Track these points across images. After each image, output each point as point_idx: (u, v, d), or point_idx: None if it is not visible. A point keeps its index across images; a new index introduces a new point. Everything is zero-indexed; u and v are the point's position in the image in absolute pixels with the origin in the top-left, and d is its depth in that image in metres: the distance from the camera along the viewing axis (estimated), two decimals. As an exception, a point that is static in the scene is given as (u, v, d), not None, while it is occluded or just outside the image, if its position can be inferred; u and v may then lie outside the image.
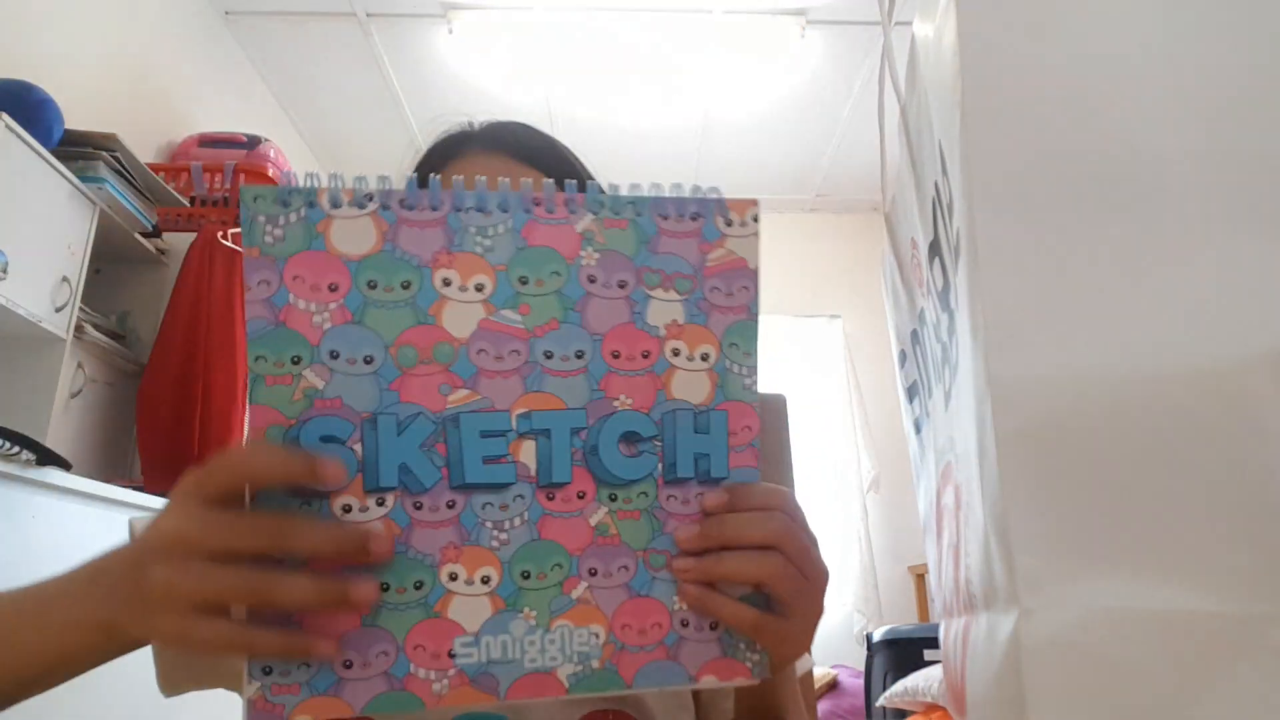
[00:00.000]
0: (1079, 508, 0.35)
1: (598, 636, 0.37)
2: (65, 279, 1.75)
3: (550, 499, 0.37)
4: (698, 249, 0.40)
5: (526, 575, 0.37)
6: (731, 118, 3.48)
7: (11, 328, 1.67)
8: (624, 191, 0.39)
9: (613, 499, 0.38)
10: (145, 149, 2.35)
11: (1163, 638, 0.33)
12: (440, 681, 0.35)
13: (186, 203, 2.25)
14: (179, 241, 2.17)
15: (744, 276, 0.40)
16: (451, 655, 0.36)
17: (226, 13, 2.91)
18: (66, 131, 1.82)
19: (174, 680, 0.51)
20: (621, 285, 0.39)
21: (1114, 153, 0.38)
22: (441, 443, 0.36)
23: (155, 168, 2.17)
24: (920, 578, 3.49)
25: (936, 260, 0.47)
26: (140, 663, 0.48)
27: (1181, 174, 0.37)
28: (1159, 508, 0.34)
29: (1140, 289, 0.36)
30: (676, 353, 0.39)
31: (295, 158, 2.68)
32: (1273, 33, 0.37)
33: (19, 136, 1.61)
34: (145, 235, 2.10)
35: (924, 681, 1.87)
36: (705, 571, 0.38)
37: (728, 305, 0.40)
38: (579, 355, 0.38)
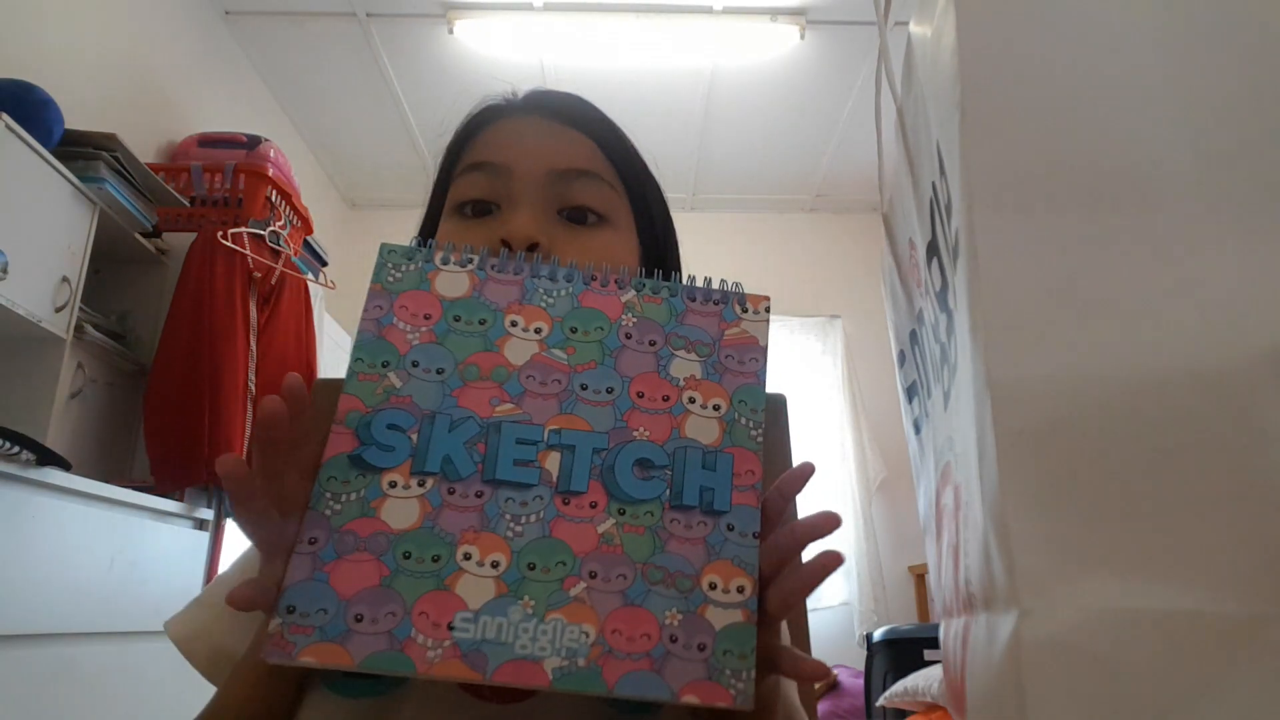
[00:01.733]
0: (1079, 508, 0.35)
1: (588, 635, 0.40)
2: (65, 279, 1.75)
3: (565, 504, 0.43)
4: (717, 326, 0.48)
5: (532, 566, 0.41)
6: (731, 118, 3.49)
7: (11, 328, 1.67)
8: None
9: (621, 513, 0.43)
10: (145, 149, 2.35)
11: (1163, 638, 0.33)
12: (435, 650, 0.39)
13: (186, 203, 2.25)
14: (179, 241, 2.17)
15: (755, 351, 0.47)
16: (450, 627, 0.39)
17: (226, 13, 2.91)
18: (66, 131, 1.82)
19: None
20: (652, 344, 0.47)
21: (1113, 153, 0.38)
22: (483, 443, 0.43)
23: (155, 168, 2.17)
24: (920, 578, 3.49)
25: (934, 261, 0.47)
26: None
27: (1181, 174, 0.37)
28: (1159, 508, 0.34)
29: (1140, 289, 0.36)
30: (692, 400, 0.46)
31: (295, 158, 2.68)
32: (1273, 33, 0.37)
33: (19, 136, 1.61)
34: (145, 235, 2.10)
35: (924, 681, 1.87)
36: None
37: (739, 370, 0.47)
38: (609, 391, 0.45)
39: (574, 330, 0.47)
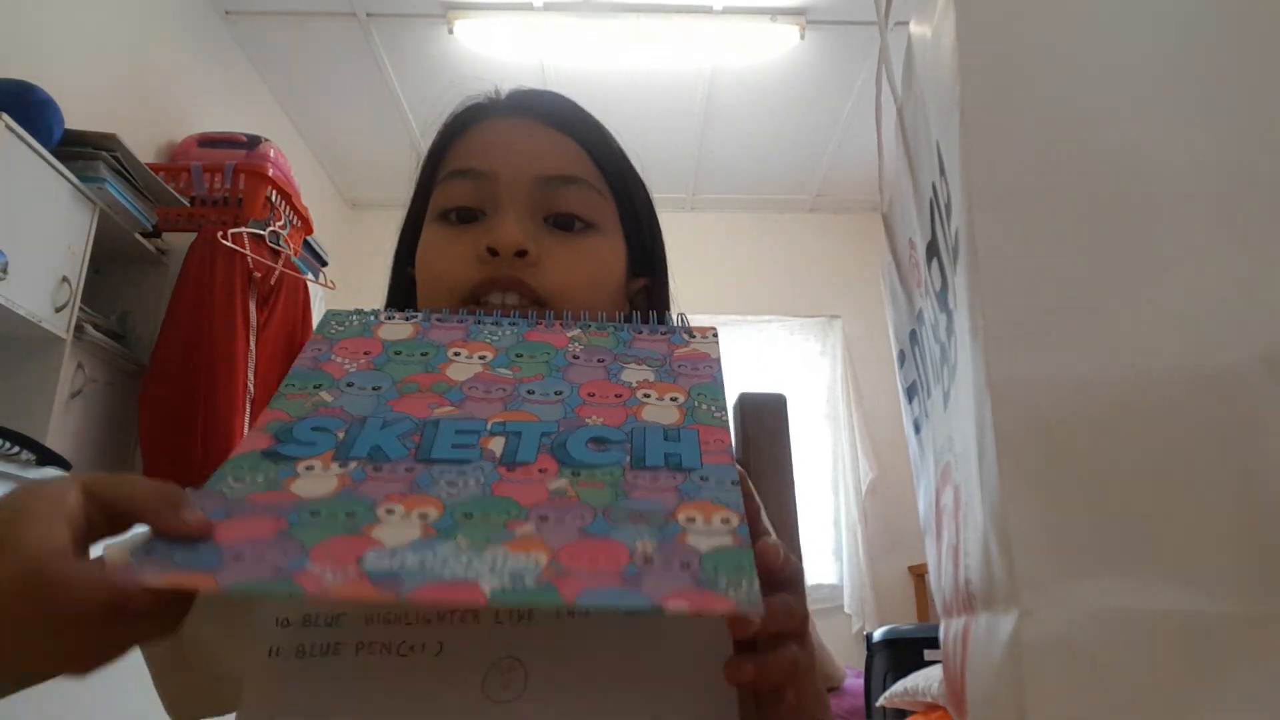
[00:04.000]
0: (1079, 508, 0.35)
1: (538, 563, 0.32)
2: (65, 279, 1.75)
3: (510, 470, 0.37)
4: (667, 347, 0.48)
5: (469, 515, 0.34)
6: (731, 118, 3.49)
7: (11, 328, 1.67)
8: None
9: (575, 475, 0.37)
10: (145, 149, 2.35)
11: (1163, 638, 0.33)
12: (335, 575, 0.31)
13: (186, 203, 2.25)
14: (179, 241, 2.17)
15: (708, 361, 0.47)
16: (359, 561, 0.32)
17: (226, 12, 2.91)
18: (66, 131, 1.82)
19: (183, 711, 0.50)
20: (600, 361, 0.46)
21: (1113, 154, 0.38)
22: (418, 435, 0.40)
23: (155, 168, 2.17)
24: (920, 578, 3.49)
25: (934, 261, 0.47)
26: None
27: (1181, 174, 0.37)
28: (1159, 507, 0.34)
29: (1139, 289, 0.36)
30: (648, 395, 0.44)
31: (295, 158, 2.68)
32: (1273, 36, 0.37)
33: (19, 136, 1.61)
34: (145, 235, 2.10)
35: (924, 681, 1.87)
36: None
37: (693, 374, 0.46)
38: (557, 394, 0.43)
39: (519, 355, 0.46)
